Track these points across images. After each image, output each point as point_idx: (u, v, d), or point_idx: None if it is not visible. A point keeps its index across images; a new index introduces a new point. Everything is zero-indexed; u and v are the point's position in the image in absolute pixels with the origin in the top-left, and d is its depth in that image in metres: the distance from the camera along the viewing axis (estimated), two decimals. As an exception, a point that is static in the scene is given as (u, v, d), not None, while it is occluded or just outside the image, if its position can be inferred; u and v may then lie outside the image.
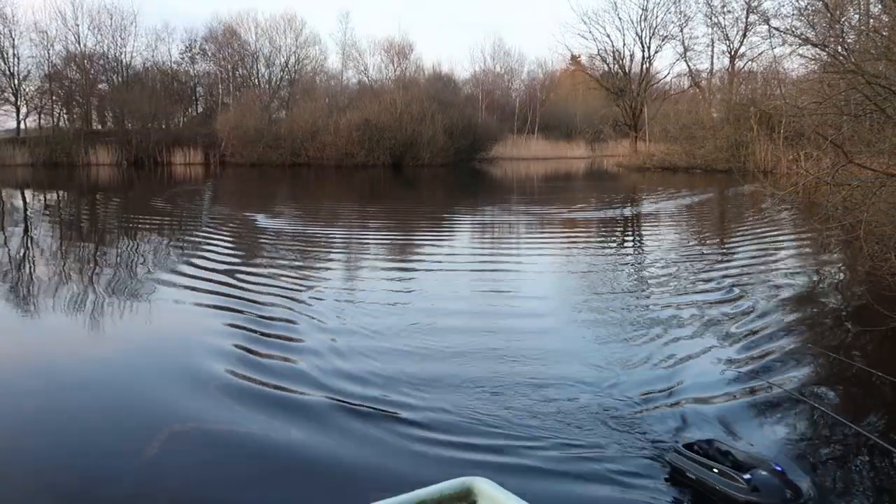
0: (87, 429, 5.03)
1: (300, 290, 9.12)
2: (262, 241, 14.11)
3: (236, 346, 6.73)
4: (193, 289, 9.36)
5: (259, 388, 5.67)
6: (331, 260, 12.48)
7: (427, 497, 2.75)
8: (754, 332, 7.32)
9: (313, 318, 7.73)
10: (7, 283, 10.20)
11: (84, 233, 16.40)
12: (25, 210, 21.64)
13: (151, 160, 42.41)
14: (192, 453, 4.63)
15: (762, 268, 11.13)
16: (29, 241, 14.78)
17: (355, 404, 5.25)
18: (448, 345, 6.71)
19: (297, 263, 11.56)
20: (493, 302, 8.99)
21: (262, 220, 17.19)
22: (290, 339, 6.97)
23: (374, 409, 5.16)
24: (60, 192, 28.12)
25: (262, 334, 7.16)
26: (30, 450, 4.67)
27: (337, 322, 7.61)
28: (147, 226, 17.14)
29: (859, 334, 7.16)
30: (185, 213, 19.92)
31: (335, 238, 14.93)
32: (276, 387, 5.67)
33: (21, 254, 13.20)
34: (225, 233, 15.14)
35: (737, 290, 9.47)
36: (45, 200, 24.81)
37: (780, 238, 14.52)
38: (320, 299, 8.63)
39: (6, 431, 4.98)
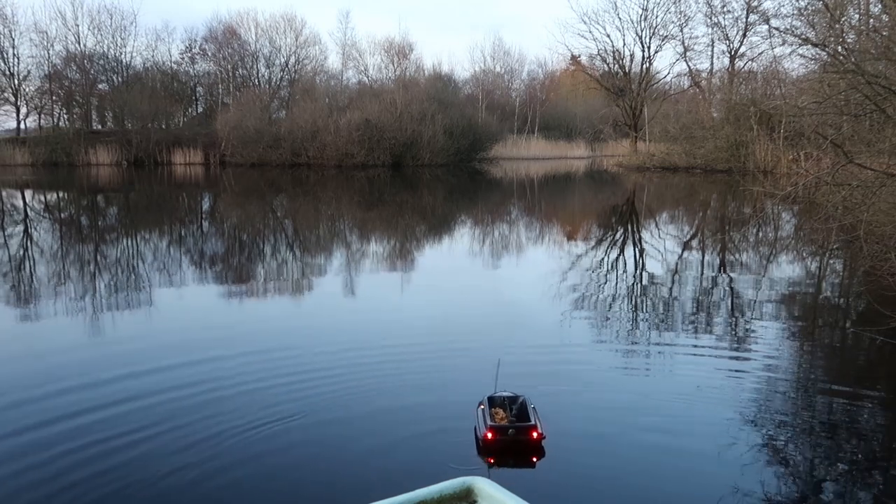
0: None
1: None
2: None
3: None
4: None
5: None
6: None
7: (428, 497, 2.76)
8: (754, 332, 7.35)
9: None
10: None
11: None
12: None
13: (151, 160, 42.39)
14: None
15: (762, 268, 11.13)
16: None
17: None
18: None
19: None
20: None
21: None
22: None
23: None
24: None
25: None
26: None
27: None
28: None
29: (859, 334, 7.16)
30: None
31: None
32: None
33: None
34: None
35: (737, 291, 9.47)
36: None
37: (780, 238, 14.51)
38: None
39: None
